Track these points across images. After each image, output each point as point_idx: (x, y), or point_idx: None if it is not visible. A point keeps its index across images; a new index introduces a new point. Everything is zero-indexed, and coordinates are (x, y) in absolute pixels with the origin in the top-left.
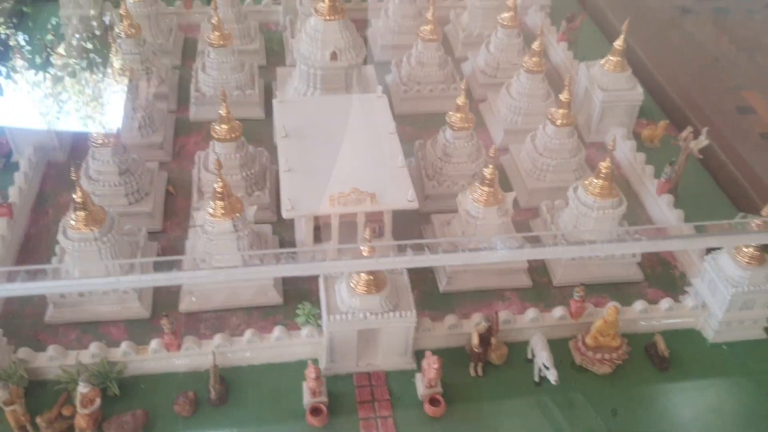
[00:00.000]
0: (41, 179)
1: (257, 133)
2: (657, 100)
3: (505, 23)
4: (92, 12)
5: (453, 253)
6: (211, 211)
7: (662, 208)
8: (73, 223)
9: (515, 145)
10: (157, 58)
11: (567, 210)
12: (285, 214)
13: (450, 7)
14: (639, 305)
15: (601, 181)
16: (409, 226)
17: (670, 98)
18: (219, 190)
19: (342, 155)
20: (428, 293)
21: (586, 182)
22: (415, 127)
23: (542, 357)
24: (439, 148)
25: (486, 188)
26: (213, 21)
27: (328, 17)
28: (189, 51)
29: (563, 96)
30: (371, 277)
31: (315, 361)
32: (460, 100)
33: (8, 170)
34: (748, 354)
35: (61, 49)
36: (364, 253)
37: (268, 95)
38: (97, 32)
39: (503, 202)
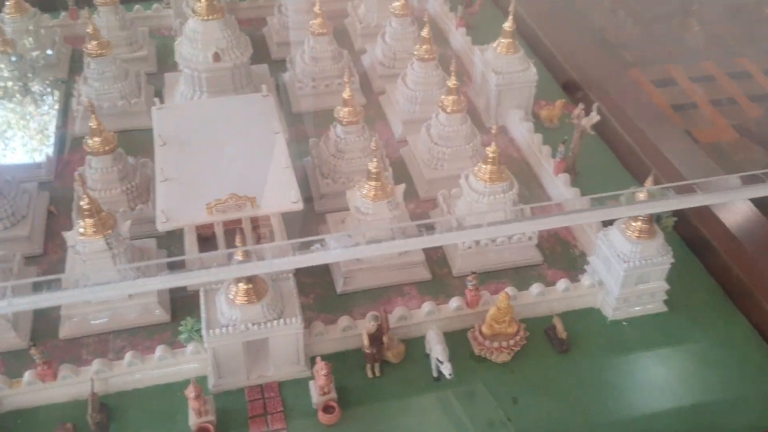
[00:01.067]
0: None
1: (145, 143)
2: (557, 79)
3: (397, 12)
4: None
5: (339, 249)
6: (81, 230)
7: (560, 188)
8: None
9: (414, 135)
10: (41, 74)
11: (461, 198)
12: (160, 227)
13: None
14: (536, 288)
15: (489, 165)
16: (304, 228)
17: (568, 76)
18: (86, 207)
19: (223, 160)
20: (325, 296)
21: (476, 168)
22: (315, 125)
23: (436, 351)
24: (331, 145)
25: (373, 183)
26: (89, 30)
27: (206, 17)
28: (77, 64)
29: (450, 83)
30: (250, 285)
31: (203, 379)
32: (346, 94)
33: None
34: (649, 328)
35: None
36: (239, 259)
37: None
38: None
39: (393, 195)
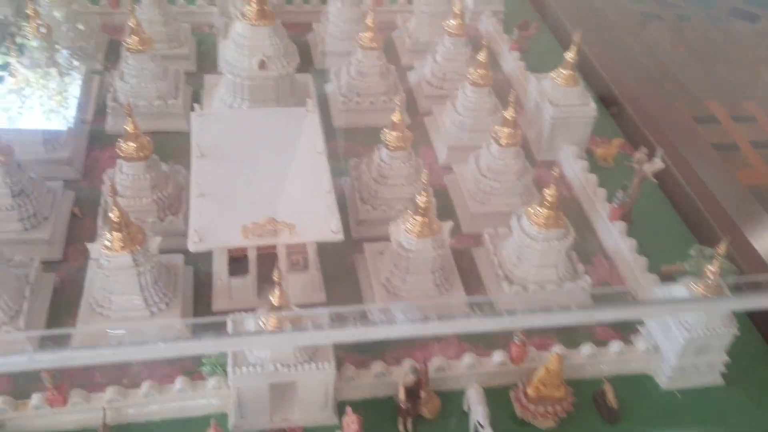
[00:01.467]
0: None
1: (179, 147)
2: (613, 115)
3: (451, 31)
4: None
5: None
6: (107, 243)
7: (614, 236)
8: None
9: (460, 164)
10: (75, 63)
11: (511, 239)
12: (191, 247)
13: (398, 11)
14: (586, 349)
15: (546, 210)
16: (340, 256)
17: (627, 114)
18: (115, 219)
19: (262, 178)
20: None
21: (530, 210)
22: (355, 142)
23: (477, 413)
24: (374, 169)
25: (419, 218)
26: (131, 23)
27: (255, 22)
28: (114, 54)
29: (508, 114)
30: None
31: (222, 417)
32: (396, 117)
33: None
34: (704, 402)
35: None
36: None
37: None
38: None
39: (439, 232)
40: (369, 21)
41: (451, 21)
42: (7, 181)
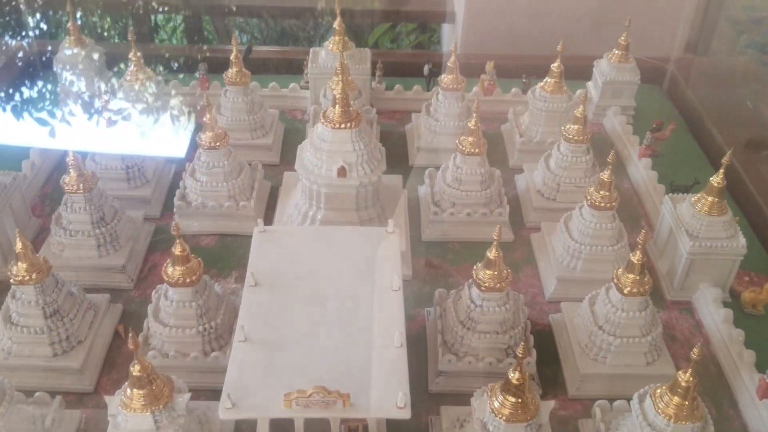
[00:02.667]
0: None
1: (242, 255)
2: (766, 245)
3: (570, 137)
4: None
5: None
6: (125, 399)
7: (765, 419)
8: None
9: (570, 303)
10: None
11: (630, 421)
12: (222, 414)
13: (510, 102)
14: None
15: (678, 398)
16: (412, 414)
17: None
18: (136, 374)
19: (320, 321)
20: None
21: (657, 394)
22: (445, 260)
23: None
24: (461, 310)
25: (512, 398)
26: (206, 119)
27: (337, 125)
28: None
29: (635, 258)
30: None
31: None
32: (492, 254)
33: None
34: None
35: None
36: None
37: (272, 203)
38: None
39: (535, 416)
40: (472, 124)
41: (570, 125)
42: (40, 300)
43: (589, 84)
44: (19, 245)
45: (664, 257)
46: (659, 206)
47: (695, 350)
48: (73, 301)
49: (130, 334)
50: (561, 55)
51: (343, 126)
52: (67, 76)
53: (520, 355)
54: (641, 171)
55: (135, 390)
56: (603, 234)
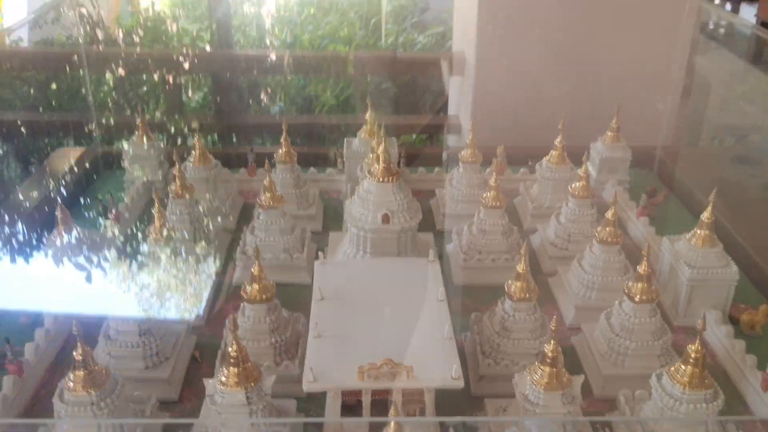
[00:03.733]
0: (65, 337)
1: (300, 298)
2: (754, 282)
3: (576, 193)
4: (158, 176)
5: None
6: (222, 378)
7: None
8: (71, 384)
9: (588, 324)
10: (211, 221)
11: (650, 402)
12: (306, 387)
13: (520, 180)
14: None
15: (690, 367)
16: (459, 413)
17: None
18: (233, 354)
19: (380, 322)
20: None
21: (673, 368)
22: (475, 299)
23: None
24: (497, 322)
25: (547, 368)
26: (265, 182)
27: (381, 179)
28: (246, 216)
29: (641, 268)
30: None
31: None
32: (520, 268)
33: (34, 325)
34: None
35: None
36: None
37: None
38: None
39: (569, 386)
40: (492, 181)
41: (576, 183)
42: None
43: (588, 164)
44: None
45: (668, 290)
46: (658, 253)
47: (700, 321)
48: (160, 324)
49: (227, 319)
50: (562, 132)
51: (385, 180)
52: None
53: (552, 333)
54: (640, 228)
55: (231, 368)
56: (611, 266)
